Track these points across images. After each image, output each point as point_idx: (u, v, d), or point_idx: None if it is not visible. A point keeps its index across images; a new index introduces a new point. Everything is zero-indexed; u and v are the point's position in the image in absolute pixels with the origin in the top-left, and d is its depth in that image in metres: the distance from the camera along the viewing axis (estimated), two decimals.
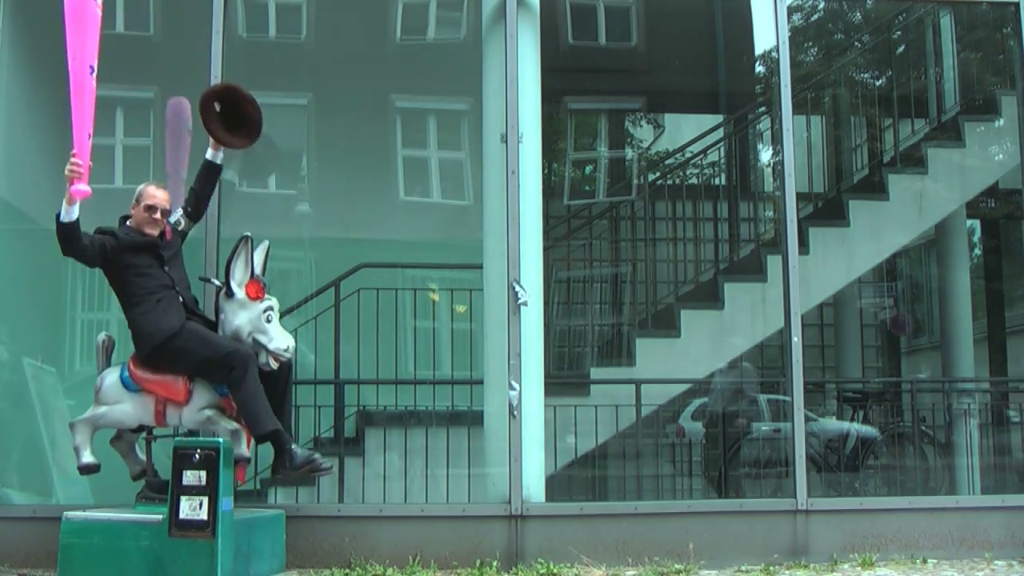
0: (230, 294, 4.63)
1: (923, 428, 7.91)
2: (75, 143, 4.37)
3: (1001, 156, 8.08)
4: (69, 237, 4.40)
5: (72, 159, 4.35)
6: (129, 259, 4.61)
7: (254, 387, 4.51)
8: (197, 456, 4.30)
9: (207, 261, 5.23)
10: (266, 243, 4.85)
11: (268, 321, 4.63)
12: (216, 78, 5.39)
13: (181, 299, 4.69)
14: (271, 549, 4.79)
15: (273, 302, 4.70)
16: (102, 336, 4.85)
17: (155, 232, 4.71)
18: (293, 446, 4.61)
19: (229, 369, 4.48)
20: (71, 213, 4.36)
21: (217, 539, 4.21)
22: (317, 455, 4.66)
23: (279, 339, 4.62)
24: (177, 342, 4.53)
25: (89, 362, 6.96)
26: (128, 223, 4.73)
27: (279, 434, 4.56)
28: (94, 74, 4.43)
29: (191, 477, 4.29)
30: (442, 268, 7.32)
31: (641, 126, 10.23)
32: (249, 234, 4.68)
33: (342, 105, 7.70)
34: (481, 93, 5.82)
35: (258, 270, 4.71)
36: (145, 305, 4.58)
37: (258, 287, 4.66)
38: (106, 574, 4.31)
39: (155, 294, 4.60)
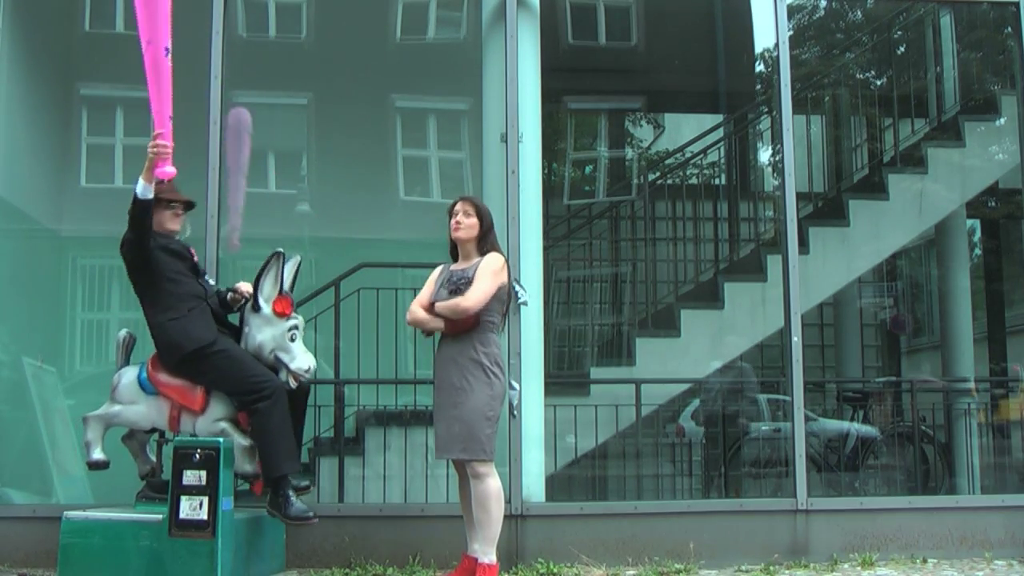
0: (256, 308, 4.57)
1: (923, 428, 7.91)
2: (157, 124, 4.38)
3: (1001, 156, 8.08)
4: (144, 214, 4.38)
5: (157, 140, 4.34)
6: (163, 259, 4.53)
7: (281, 422, 4.41)
8: (197, 456, 4.30)
9: (207, 261, 5.22)
10: (297, 258, 4.78)
11: (292, 340, 4.56)
12: (216, 78, 5.40)
13: (211, 311, 4.63)
14: (271, 549, 4.79)
15: (299, 320, 4.64)
16: (123, 333, 4.82)
17: (177, 228, 4.68)
18: (291, 493, 4.46)
19: (258, 398, 4.38)
20: (150, 191, 4.35)
21: (217, 539, 4.21)
22: (312, 513, 4.46)
23: (301, 359, 4.55)
24: (207, 356, 4.45)
25: (89, 362, 7.01)
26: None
27: (286, 481, 4.46)
28: (169, 55, 4.42)
29: (191, 477, 4.28)
30: None
31: (641, 126, 10.24)
32: (281, 250, 4.63)
33: (342, 105, 7.70)
34: (481, 93, 5.82)
35: (287, 286, 4.65)
36: (175, 312, 4.49)
37: (286, 304, 4.59)
38: (106, 574, 4.31)
39: (186, 303, 4.52)
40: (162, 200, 4.62)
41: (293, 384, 4.54)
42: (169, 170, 4.37)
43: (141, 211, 4.37)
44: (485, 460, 4.35)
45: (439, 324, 4.49)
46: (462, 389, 4.38)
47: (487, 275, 4.46)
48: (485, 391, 4.38)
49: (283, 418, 4.43)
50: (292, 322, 4.59)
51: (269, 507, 4.51)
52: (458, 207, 4.60)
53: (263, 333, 4.55)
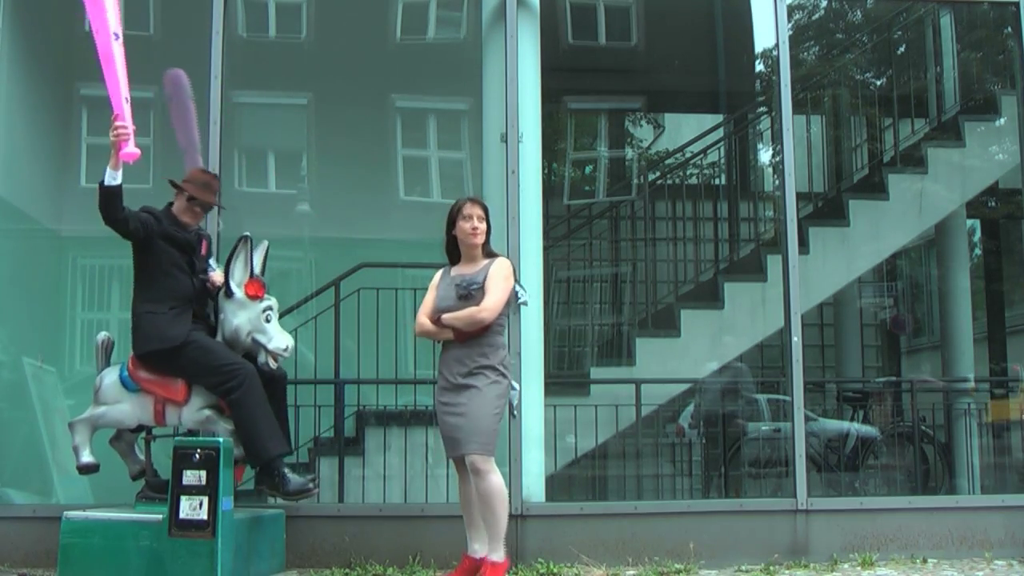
0: (229, 294, 4.63)
1: (923, 428, 7.91)
2: (115, 108, 4.39)
3: (1001, 156, 8.08)
4: (113, 202, 4.36)
5: (116, 124, 4.36)
6: (164, 249, 4.57)
7: (255, 407, 4.44)
8: (197, 456, 4.30)
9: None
10: (265, 243, 4.84)
11: (267, 321, 4.63)
12: (216, 78, 5.40)
13: (193, 311, 4.65)
14: (271, 549, 4.79)
15: (272, 301, 4.70)
16: (102, 336, 4.86)
17: (192, 222, 4.71)
18: (286, 470, 4.50)
19: (228, 389, 4.43)
20: (117, 177, 4.35)
21: (217, 539, 4.22)
22: (312, 484, 4.57)
23: (278, 338, 4.63)
24: (177, 354, 4.49)
25: (89, 362, 6.98)
26: (171, 209, 4.71)
27: (278, 461, 4.50)
28: (119, 40, 4.46)
29: (191, 477, 4.29)
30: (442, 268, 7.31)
31: (641, 126, 10.24)
32: (248, 234, 4.67)
33: (342, 105, 7.70)
34: (481, 93, 5.82)
35: (257, 270, 4.71)
36: (156, 307, 4.54)
37: (257, 286, 4.65)
38: (106, 574, 4.31)
39: (170, 301, 4.56)
40: (184, 191, 4.67)
41: (273, 364, 4.60)
42: (133, 150, 4.38)
43: (106, 200, 4.36)
44: (486, 456, 4.35)
45: (448, 334, 4.48)
46: (469, 389, 4.38)
47: (500, 282, 4.46)
48: (491, 391, 4.38)
49: (260, 402, 4.47)
50: (266, 303, 4.65)
51: (268, 491, 4.55)
52: (472, 211, 4.54)
53: (238, 317, 4.61)
